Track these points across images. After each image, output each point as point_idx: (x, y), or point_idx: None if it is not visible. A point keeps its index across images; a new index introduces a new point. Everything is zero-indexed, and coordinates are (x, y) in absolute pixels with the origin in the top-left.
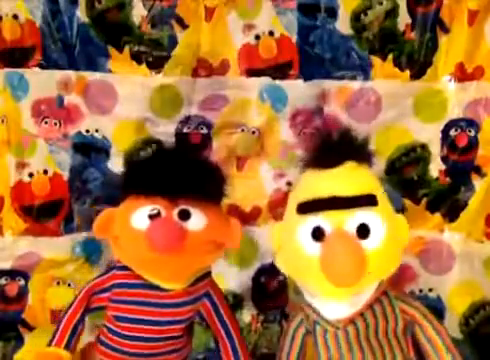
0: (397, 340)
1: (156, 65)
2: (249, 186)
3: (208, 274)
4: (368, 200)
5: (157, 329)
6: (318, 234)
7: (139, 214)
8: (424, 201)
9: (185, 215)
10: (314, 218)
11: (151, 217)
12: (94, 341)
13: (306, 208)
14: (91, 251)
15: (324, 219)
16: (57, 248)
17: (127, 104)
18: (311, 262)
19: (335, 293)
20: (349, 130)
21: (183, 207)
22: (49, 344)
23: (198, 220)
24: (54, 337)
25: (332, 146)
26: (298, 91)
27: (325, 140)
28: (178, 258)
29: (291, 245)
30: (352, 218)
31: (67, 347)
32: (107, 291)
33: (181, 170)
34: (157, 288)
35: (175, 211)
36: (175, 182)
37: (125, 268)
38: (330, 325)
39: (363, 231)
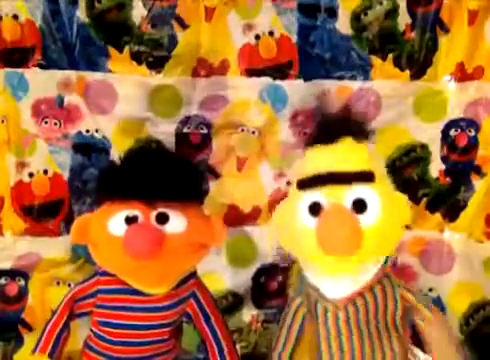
0: (395, 325)
1: (156, 65)
2: (249, 186)
3: (193, 274)
4: (365, 176)
5: (142, 333)
6: (316, 209)
7: (116, 220)
8: (424, 201)
9: (163, 218)
10: (312, 194)
11: (128, 222)
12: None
13: (305, 184)
14: None
15: (321, 194)
16: (57, 248)
17: (127, 104)
18: (308, 235)
19: (331, 267)
20: (348, 107)
21: (161, 210)
22: (33, 351)
23: (177, 223)
24: (38, 344)
25: (331, 122)
26: (298, 91)
27: (324, 116)
28: (158, 263)
29: (291, 220)
30: (348, 193)
31: (51, 354)
32: (91, 297)
33: (157, 172)
34: (141, 293)
35: (152, 215)
36: (151, 185)
37: (109, 274)
38: (330, 303)
39: (359, 206)
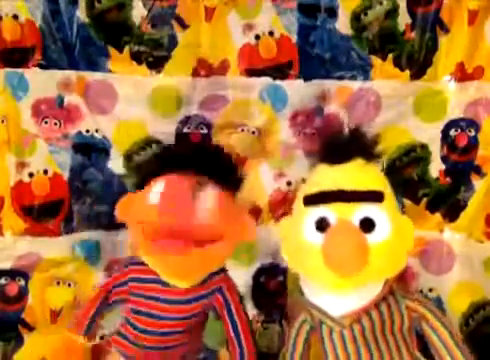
0: (403, 338)
1: (156, 65)
2: (249, 186)
3: (222, 270)
4: (374, 196)
5: (165, 323)
6: (322, 225)
7: (154, 190)
8: (424, 201)
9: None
10: (319, 209)
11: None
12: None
13: (312, 200)
14: (91, 251)
15: (329, 210)
16: (57, 248)
17: (127, 104)
18: (314, 252)
19: (337, 284)
20: (359, 128)
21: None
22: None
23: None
24: (74, 325)
25: (342, 143)
26: (298, 91)
27: (335, 137)
28: (186, 257)
29: (296, 236)
30: (357, 211)
31: (87, 333)
32: (125, 284)
33: (203, 159)
34: (168, 284)
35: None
36: (198, 165)
37: (141, 263)
38: (335, 323)
39: (367, 225)
